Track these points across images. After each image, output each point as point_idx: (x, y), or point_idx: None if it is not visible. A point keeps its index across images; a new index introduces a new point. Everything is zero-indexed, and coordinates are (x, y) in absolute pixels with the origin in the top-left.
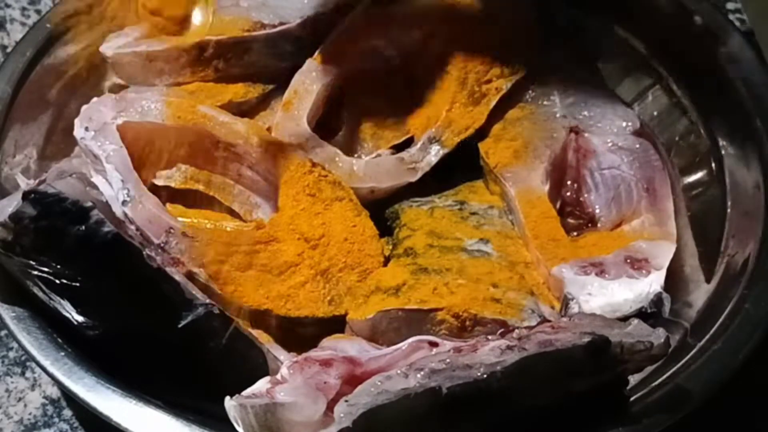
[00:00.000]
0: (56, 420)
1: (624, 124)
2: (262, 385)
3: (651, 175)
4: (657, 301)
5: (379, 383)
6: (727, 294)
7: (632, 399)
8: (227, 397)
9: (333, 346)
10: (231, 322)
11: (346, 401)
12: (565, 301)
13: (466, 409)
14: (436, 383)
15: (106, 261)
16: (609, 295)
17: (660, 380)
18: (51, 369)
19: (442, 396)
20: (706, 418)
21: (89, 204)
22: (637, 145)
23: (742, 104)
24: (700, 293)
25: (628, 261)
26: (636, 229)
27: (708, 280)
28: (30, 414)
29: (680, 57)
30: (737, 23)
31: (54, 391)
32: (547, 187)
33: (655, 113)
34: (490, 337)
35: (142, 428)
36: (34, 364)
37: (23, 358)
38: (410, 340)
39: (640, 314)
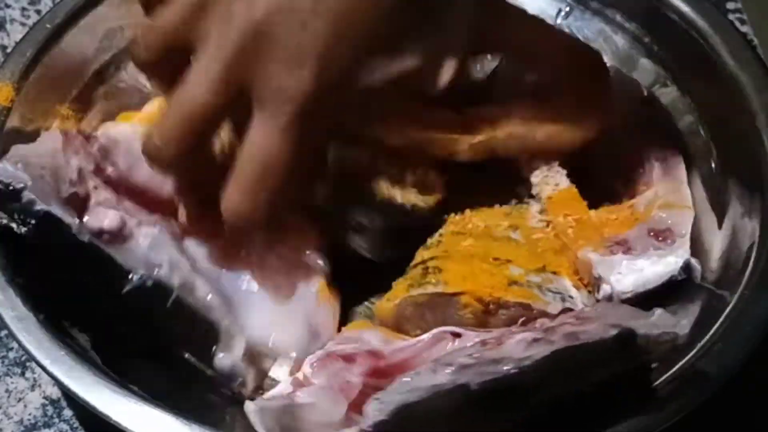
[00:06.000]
0: (56, 420)
1: (630, 93)
2: (284, 387)
3: (659, 143)
4: (686, 268)
5: (408, 380)
6: (727, 294)
7: (630, 399)
8: (247, 401)
9: (355, 337)
10: (172, 291)
11: (378, 399)
12: (597, 283)
13: (496, 403)
14: (467, 379)
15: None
16: (639, 272)
17: (660, 380)
18: (51, 368)
19: (474, 392)
20: (706, 418)
21: (20, 185)
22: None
23: (742, 104)
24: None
25: (652, 234)
26: (651, 199)
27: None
28: (30, 414)
29: (679, 57)
30: (737, 23)
31: (54, 392)
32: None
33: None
34: (513, 329)
35: (142, 428)
36: (34, 365)
37: (23, 358)
38: (433, 331)
39: (671, 283)
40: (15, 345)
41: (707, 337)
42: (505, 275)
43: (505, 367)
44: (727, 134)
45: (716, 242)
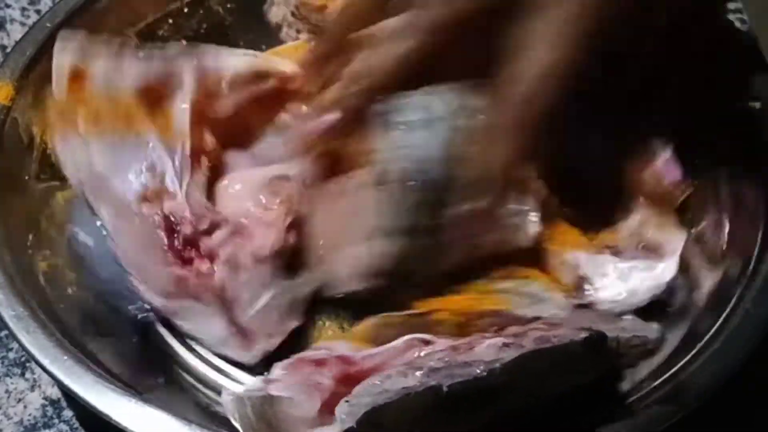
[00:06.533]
0: (56, 421)
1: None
2: (256, 382)
3: None
4: (670, 289)
5: (378, 383)
6: (727, 294)
7: (632, 399)
8: (223, 391)
9: (327, 346)
10: None
11: (347, 401)
12: (580, 284)
13: (467, 406)
14: (437, 381)
15: None
16: (624, 277)
17: (659, 380)
18: (50, 368)
19: (443, 394)
20: (706, 418)
21: None
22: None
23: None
24: (706, 284)
25: (642, 246)
26: (646, 218)
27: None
28: (30, 415)
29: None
30: (737, 23)
31: (54, 392)
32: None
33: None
34: (486, 335)
35: (142, 428)
36: (34, 365)
37: (23, 358)
38: (405, 338)
39: (653, 302)
40: (15, 345)
41: (706, 338)
42: (475, 288)
43: (477, 370)
44: (726, 135)
45: (710, 277)
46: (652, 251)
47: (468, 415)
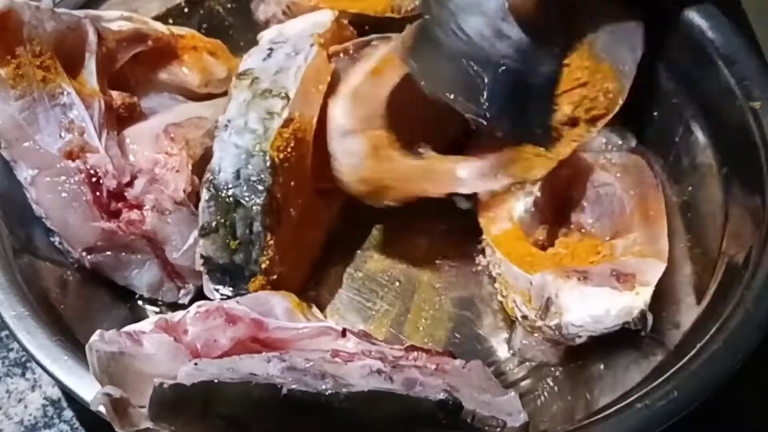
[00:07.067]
0: (56, 421)
1: (619, 141)
2: (143, 325)
3: (644, 193)
4: (641, 318)
5: (238, 360)
6: (727, 294)
7: (632, 399)
8: (94, 336)
9: (263, 299)
10: None
11: (195, 364)
12: (546, 305)
13: (301, 413)
14: (280, 381)
15: None
16: (589, 303)
17: (661, 379)
18: (51, 368)
19: (281, 395)
20: (707, 418)
21: None
22: (631, 163)
23: (742, 104)
24: (689, 315)
25: (614, 274)
26: (627, 245)
27: (699, 302)
28: (30, 415)
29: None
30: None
31: (54, 392)
32: (532, 209)
33: (656, 114)
34: (372, 351)
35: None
36: (34, 365)
37: (23, 359)
38: (321, 323)
39: (624, 329)
40: (15, 345)
41: (707, 337)
42: None
43: (323, 386)
44: (726, 135)
45: (690, 315)
46: (624, 279)
47: (301, 420)
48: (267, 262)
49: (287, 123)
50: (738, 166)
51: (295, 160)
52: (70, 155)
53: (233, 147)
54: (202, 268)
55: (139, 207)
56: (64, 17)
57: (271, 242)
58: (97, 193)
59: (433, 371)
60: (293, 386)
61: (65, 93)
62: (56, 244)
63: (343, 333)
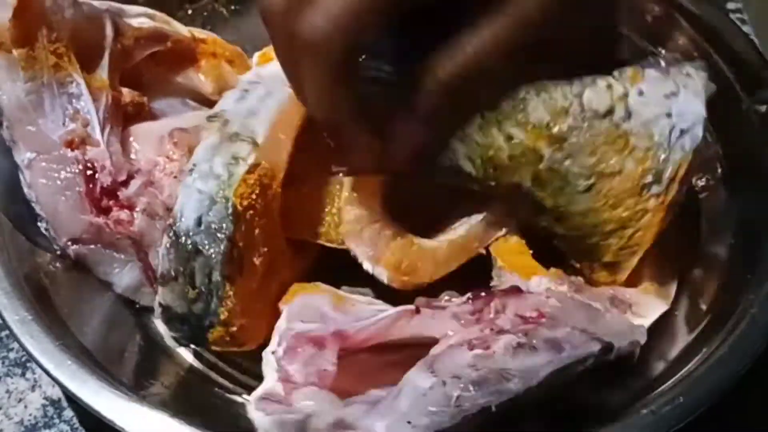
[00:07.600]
0: (56, 421)
1: None
2: (273, 385)
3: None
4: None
5: (423, 396)
6: (734, 299)
7: (637, 404)
8: (253, 409)
9: (313, 306)
10: None
11: (410, 423)
12: None
13: (506, 418)
14: (486, 401)
15: None
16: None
17: (665, 386)
18: (55, 373)
19: (492, 413)
20: (707, 418)
21: None
22: None
23: (742, 105)
24: (675, 349)
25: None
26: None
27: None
28: (30, 415)
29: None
30: (737, 23)
31: (54, 392)
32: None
33: None
34: (493, 327)
35: (144, 430)
36: (34, 365)
37: (23, 359)
38: (395, 309)
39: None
40: (15, 345)
41: (714, 342)
42: None
43: (514, 387)
44: (728, 136)
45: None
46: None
47: (503, 426)
48: (226, 313)
49: (252, 169)
50: (743, 171)
51: (261, 208)
52: (70, 144)
53: (196, 192)
54: (160, 317)
55: (131, 208)
56: (84, 8)
57: (231, 293)
58: (91, 186)
59: (549, 321)
60: (497, 400)
61: (74, 83)
62: (42, 229)
63: (417, 310)
